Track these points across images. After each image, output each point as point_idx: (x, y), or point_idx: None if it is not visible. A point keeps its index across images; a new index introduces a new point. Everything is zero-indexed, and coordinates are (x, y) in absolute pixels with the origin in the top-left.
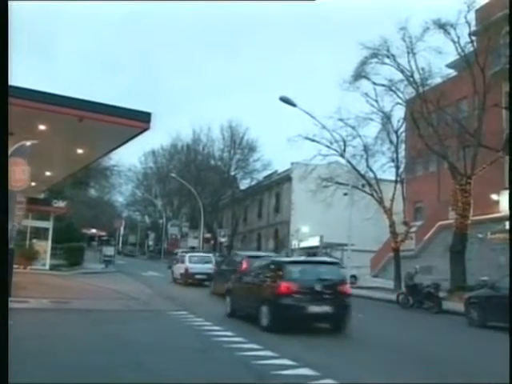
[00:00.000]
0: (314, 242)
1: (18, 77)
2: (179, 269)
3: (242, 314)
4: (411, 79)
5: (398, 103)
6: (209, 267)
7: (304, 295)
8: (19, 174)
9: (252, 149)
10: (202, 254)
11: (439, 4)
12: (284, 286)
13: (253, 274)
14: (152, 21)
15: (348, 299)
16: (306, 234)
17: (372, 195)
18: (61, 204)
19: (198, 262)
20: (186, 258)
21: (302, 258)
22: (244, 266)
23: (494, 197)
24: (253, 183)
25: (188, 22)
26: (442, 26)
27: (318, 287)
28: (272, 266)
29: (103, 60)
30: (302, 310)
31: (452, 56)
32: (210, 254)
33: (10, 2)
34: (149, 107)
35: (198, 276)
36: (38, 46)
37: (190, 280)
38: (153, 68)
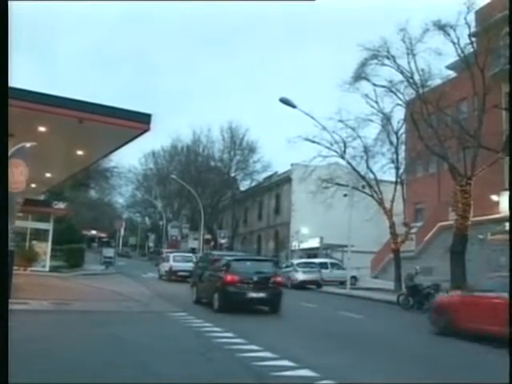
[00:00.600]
0: (314, 243)
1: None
2: (164, 267)
3: (204, 301)
4: (411, 80)
5: (397, 104)
6: (189, 265)
7: (244, 284)
8: (18, 175)
9: (252, 150)
10: (184, 254)
11: (439, 5)
12: (229, 277)
13: (212, 270)
14: (151, 21)
15: (280, 288)
16: (306, 236)
17: (372, 196)
18: (61, 205)
19: (180, 261)
20: (171, 258)
21: (244, 256)
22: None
23: (494, 198)
24: (253, 184)
25: (188, 22)
26: (442, 28)
27: (255, 278)
28: (223, 263)
29: (103, 61)
30: (243, 295)
31: (452, 57)
32: (191, 254)
33: (10, 2)
34: (149, 108)
35: (180, 273)
36: (36, 46)
37: (173, 277)
38: (153, 69)
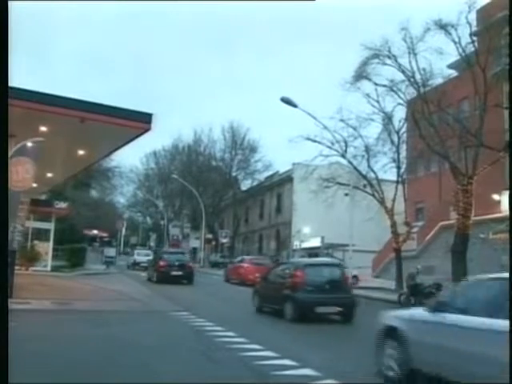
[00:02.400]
0: (315, 242)
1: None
2: (130, 260)
3: (153, 280)
4: (412, 80)
5: (399, 104)
6: (148, 258)
7: (170, 267)
8: (23, 173)
9: (253, 149)
10: (144, 251)
11: (440, 4)
12: (161, 264)
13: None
14: (152, 21)
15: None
16: (307, 235)
17: (373, 196)
18: (62, 205)
19: (141, 255)
20: (135, 253)
21: (169, 250)
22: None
23: (496, 197)
24: (254, 184)
25: (188, 21)
26: (443, 27)
27: (176, 264)
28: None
29: (103, 61)
30: (168, 273)
31: (453, 56)
32: (150, 251)
33: (10, 2)
34: (150, 108)
35: (141, 264)
36: (35, 46)
37: (136, 266)
38: (154, 69)
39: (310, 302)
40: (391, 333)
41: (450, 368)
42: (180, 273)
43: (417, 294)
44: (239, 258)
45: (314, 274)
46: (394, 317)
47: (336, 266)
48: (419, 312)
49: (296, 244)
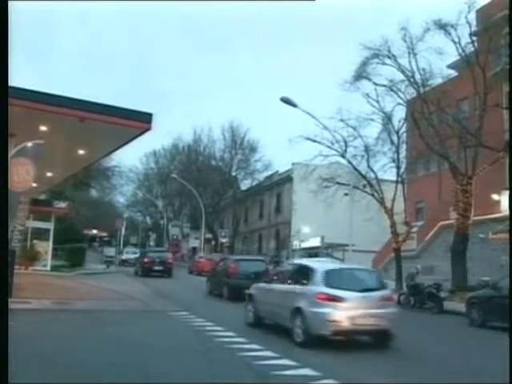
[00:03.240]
0: (315, 242)
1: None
2: (120, 257)
3: (138, 274)
4: (412, 80)
5: (398, 103)
6: (135, 256)
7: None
8: (23, 174)
9: (253, 149)
10: (132, 249)
11: (440, 4)
12: (145, 261)
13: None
14: (151, 20)
15: None
16: (307, 235)
17: (373, 195)
18: (62, 205)
19: (129, 254)
20: (124, 251)
21: (152, 249)
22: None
23: (495, 197)
24: (254, 184)
25: (188, 21)
26: (443, 27)
27: (157, 261)
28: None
29: (102, 60)
30: (151, 268)
31: (453, 56)
32: (137, 249)
33: (10, 2)
34: (150, 108)
35: (130, 261)
36: (33, 45)
37: (125, 263)
38: (154, 69)
39: (239, 287)
40: (250, 297)
41: (270, 313)
42: (161, 268)
43: (416, 294)
44: (198, 256)
45: (244, 267)
46: (252, 288)
47: (261, 260)
48: (262, 283)
49: (296, 244)
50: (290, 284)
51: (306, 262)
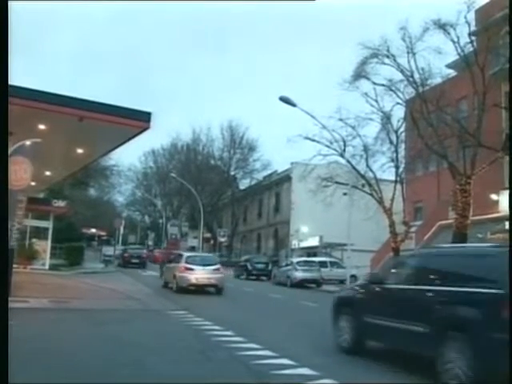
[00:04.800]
0: (313, 241)
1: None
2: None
3: (120, 265)
4: (411, 79)
5: (397, 103)
6: (118, 252)
7: (131, 257)
8: (21, 172)
9: (252, 148)
10: (121, 247)
11: (439, 4)
12: (125, 255)
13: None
14: (149, 19)
15: None
16: (305, 234)
17: (372, 195)
18: (61, 204)
19: (109, 251)
20: (103, 249)
21: (132, 247)
22: (126, 253)
23: (494, 197)
24: (253, 183)
25: (187, 19)
26: (442, 26)
27: (135, 255)
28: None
29: (101, 59)
30: (129, 261)
31: (452, 56)
32: (124, 247)
33: (10, 2)
34: (148, 107)
35: (106, 258)
36: (30, 44)
37: (105, 258)
38: (152, 67)
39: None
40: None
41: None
42: (137, 261)
43: None
44: (156, 250)
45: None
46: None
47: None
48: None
49: (294, 243)
50: (174, 263)
51: (181, 252)
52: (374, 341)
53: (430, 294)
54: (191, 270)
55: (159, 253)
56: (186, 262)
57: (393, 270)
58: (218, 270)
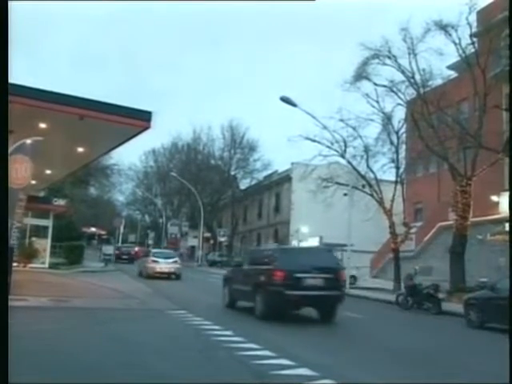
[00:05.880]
0: (313, 242)
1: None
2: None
3: (113, 261)
4: (412, 80)
5: (398, 104)
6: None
7: (122, 254)
8: (21, 171)
9: (252, 148)
10: (110, 246)
11: (440, 5)
12: (117, 252)
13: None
14: (151, 19)
15: None
16: (305, 234)
17: (372, 196)
18: (61, 202)
19: (109, 250)
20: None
21: (124, 245)
22: (118, 251)
23: (494, 198)
24: (253, 183)
25: (189, 20)
26: (443, 28)
27: (125, 252)
28: (117, 250)
29: (101, 59)
30: (120, 257)
31: (453, 57)
32: (117, 246)
33: (10, 2)
34: (149, 106)
35: (106, 257)
36: (29, 43)
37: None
38: (153, 67)
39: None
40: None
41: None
42: (126, 257)
43: (414, 295)
44: (136, 248)
45: (157, 256)
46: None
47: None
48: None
49: (294, 243)
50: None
51: (150, 249)
52: (237, 299)
53: (253, 270)
54: (156, 262)
55: (138, 250)
56: (153, 256)
57: (245, 258)
58: (175, 261)
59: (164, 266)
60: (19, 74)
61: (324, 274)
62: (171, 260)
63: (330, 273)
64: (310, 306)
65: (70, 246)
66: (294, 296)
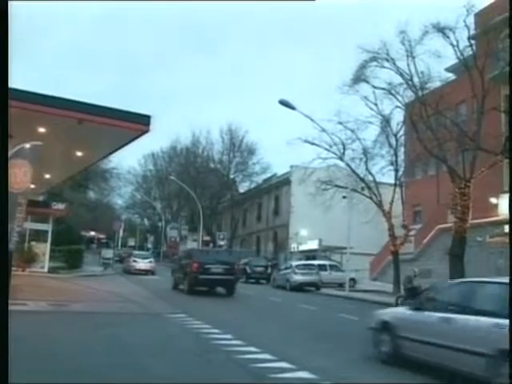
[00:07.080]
0: (313, 245)
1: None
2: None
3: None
4: (410, 83)
5: (397, 107)
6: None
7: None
8: (20, 175)
9: (251, 152)
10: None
11: (438, 8)
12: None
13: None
14: (150, 21)
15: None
16: (305, 237)
17: (371, 198)
18: (60, 206)
19: (108, 254)
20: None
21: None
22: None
23: (493, 200)
24: (252, 186)
25: (187, 22)
26: (442, 30)
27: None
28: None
29: (99, 62)
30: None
31: (451, 60)
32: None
33: (10, 2)
34: (148, 110)
35: (105, 261)
36: (26, 46)
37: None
38: (152, 70)
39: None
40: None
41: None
42: (118, 258)
43: (414, 297)
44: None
45: (137, 257)
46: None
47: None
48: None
49: (294, 246)
50: (128, 258)
51: (131, 251)
52: (178, 283)
53: (184, 264)
54: (136, 261)
55: (124, 253)
56: (134, 257)
57: (181, 257)
58: (151, 261)
59: (142, 264)
60: (17, 76)
61: (224, 266)
62: (147, 260)
63: (228, 265)
64: (216, 285)
65: (70, 250)
66: (204, 279)
